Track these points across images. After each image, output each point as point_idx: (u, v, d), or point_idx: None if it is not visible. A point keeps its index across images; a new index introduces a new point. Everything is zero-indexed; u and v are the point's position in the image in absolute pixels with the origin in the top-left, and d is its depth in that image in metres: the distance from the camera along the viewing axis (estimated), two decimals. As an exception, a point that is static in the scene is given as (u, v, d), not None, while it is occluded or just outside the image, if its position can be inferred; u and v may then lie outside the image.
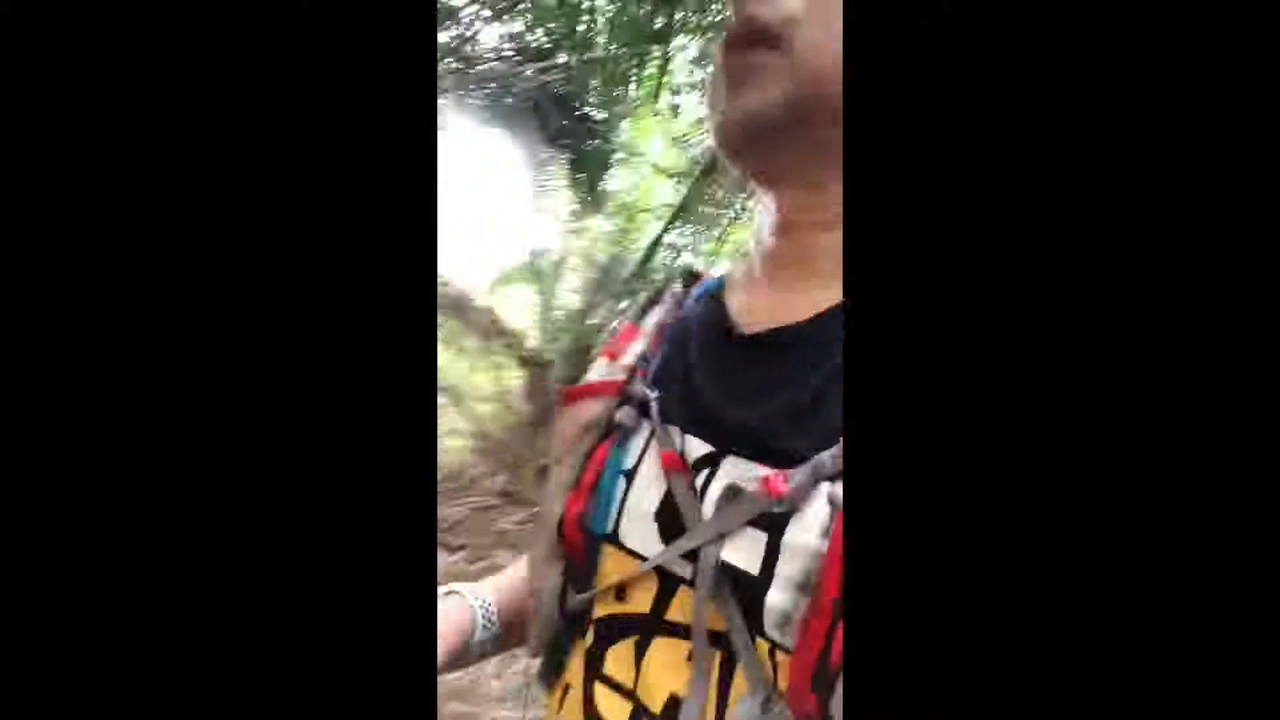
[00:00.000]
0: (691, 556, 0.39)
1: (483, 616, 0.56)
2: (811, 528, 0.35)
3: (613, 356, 0.53)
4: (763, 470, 0.38)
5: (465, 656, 0.56)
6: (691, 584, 0.39)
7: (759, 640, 0.36)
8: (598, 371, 0.53)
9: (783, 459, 0.38)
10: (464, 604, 0.57)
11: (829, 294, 0.41)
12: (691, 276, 0.56)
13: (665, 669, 0.41)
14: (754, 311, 0.45)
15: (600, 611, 0.45)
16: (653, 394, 0.46)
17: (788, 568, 0.35)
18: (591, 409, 0.50)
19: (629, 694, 0.42)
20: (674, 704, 0.40)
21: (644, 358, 0.50)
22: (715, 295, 0.50)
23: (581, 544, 0.46)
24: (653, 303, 0.56)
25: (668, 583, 0.41)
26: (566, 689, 0.47)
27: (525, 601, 0.55)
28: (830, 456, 0.36)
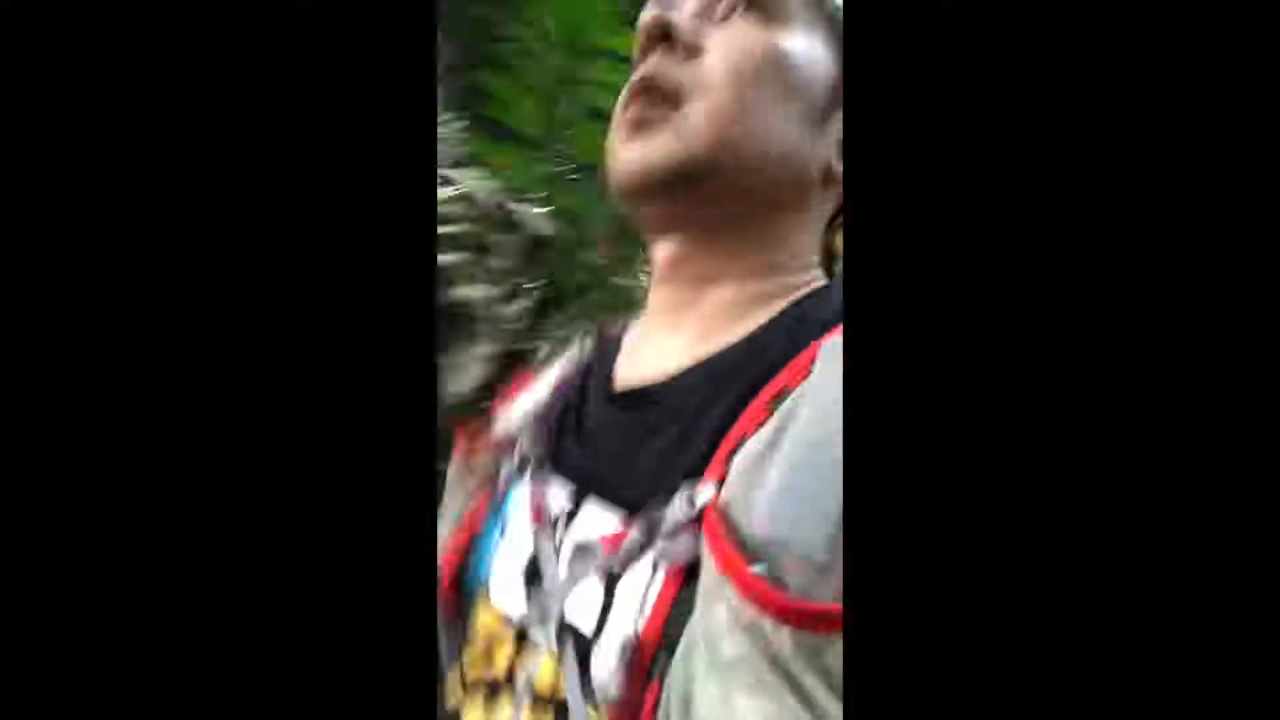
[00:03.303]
0: (546, 616, 0.38)
1: None
2: (635, 585, 0.35)
3: (504, 403, 0.51)
4: (611, 522, 0.38)
5: None
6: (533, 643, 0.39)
7: (589, 705, 0.35)
8: (494, 422, 0.50)
9: (630, 510, 0.37)
10: None
11: (696, 350, 0.42)
12: (600, 335, 0.56)
13: None
14: (630, 365, 0.46)
15: (470, 673, 0.42)
16: (537, 444, 0.45)
17: (613, 626, 0.35)
18: (481, 457, 0.48)
19: None
20: None
21: (540, 410, 0.49)
22: (614, 345, 0.50)
23: (455, 601, 0.44)
24: (554, 356, 0.55)
25: (522, 644, 0.39)
26: None
27: None
28: (663, 513, 0.35)
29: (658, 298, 0.47)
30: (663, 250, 0.46)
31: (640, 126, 0.42)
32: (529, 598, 0.39)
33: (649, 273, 0.48)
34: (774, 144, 0.42)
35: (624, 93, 0.44)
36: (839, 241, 0.47)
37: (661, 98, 0.42)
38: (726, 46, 0.42)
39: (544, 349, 0.55)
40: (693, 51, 0.42)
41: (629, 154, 0.43)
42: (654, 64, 0.43)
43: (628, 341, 0.49)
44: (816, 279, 0.44)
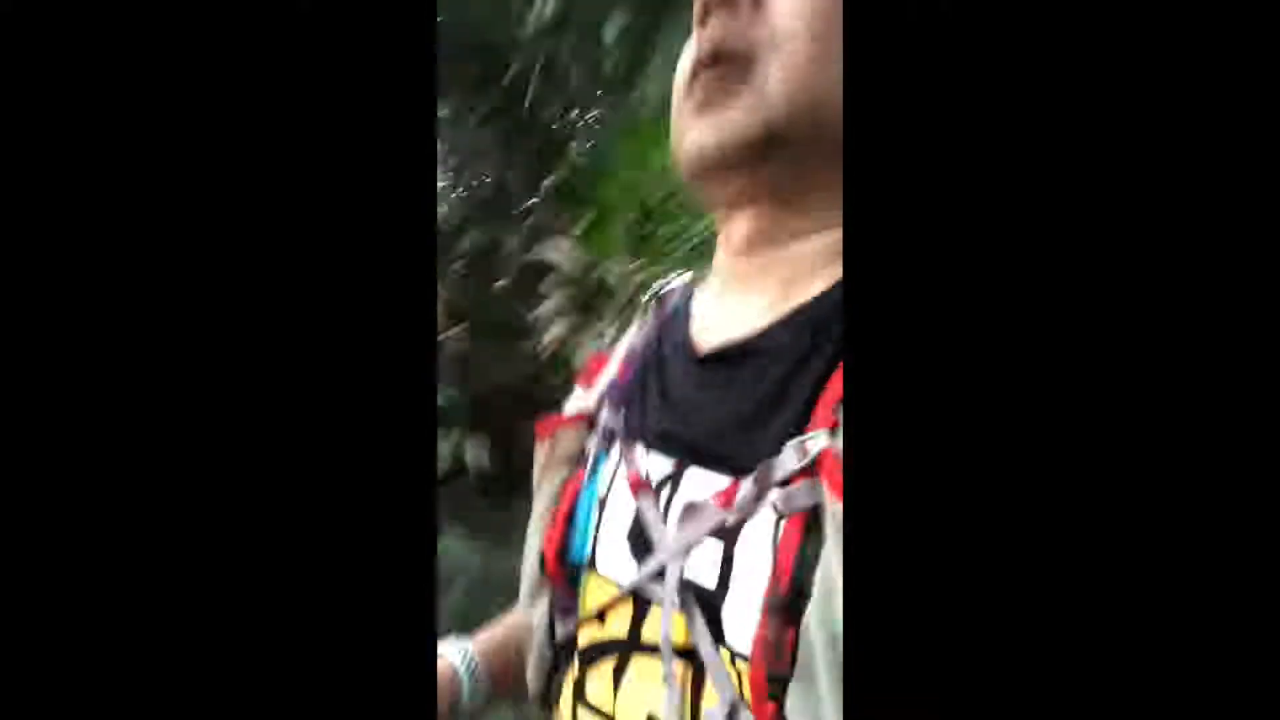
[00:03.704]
0: (662, 576, 0.39)
1: (468, 675, 0.54)
2: (758, 537, 0.36)
3: (585, 385, 0.53)
4: (719, 482, 0.39)
5: None
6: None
7: (723, 650, 0.37)
8: (571, 403, 0.53)
9: (737, 469, 0.38)
10: (446, 665, 0.54)
11: (781, 307, 0.41)
12: (659, 298, 0.56)
13: (641, 689, 0.41)
14: (710, 330, 0.45)
15: (584, 640, 0.45)
16: (619, 419, 0.47)
17: (740, 578, 0.36)
18: (565, 440, 0.51)
19: (608, 718, 0.42)
20: None
21: (613, 385, 0.51)
22: (681, 313, 0.50)
23: (562, 575, 0.46)
24: (623, 330, 0.57)
25: (641, 605, 0.42)
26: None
27: (511, 651, 0.54)
28: (775, 464, 0.36)
29: (732, 268, 0.45)
30: (735, 223, 0.44)
31: (710, 101, 0.40)
32: (639, 563, 0.41)
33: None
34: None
35: (687, 65, 0.42)
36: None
37: (731, 66, 0.39)
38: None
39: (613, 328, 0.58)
40: (758, 8, 0.39)
41: (700, 133, 0.40)
42: (718, 29, 0.40)
43: (698, 309, 0.48)
44: None
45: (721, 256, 0.47)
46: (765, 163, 0.40)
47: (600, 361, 0.55)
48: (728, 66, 0.40)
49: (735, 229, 0.44)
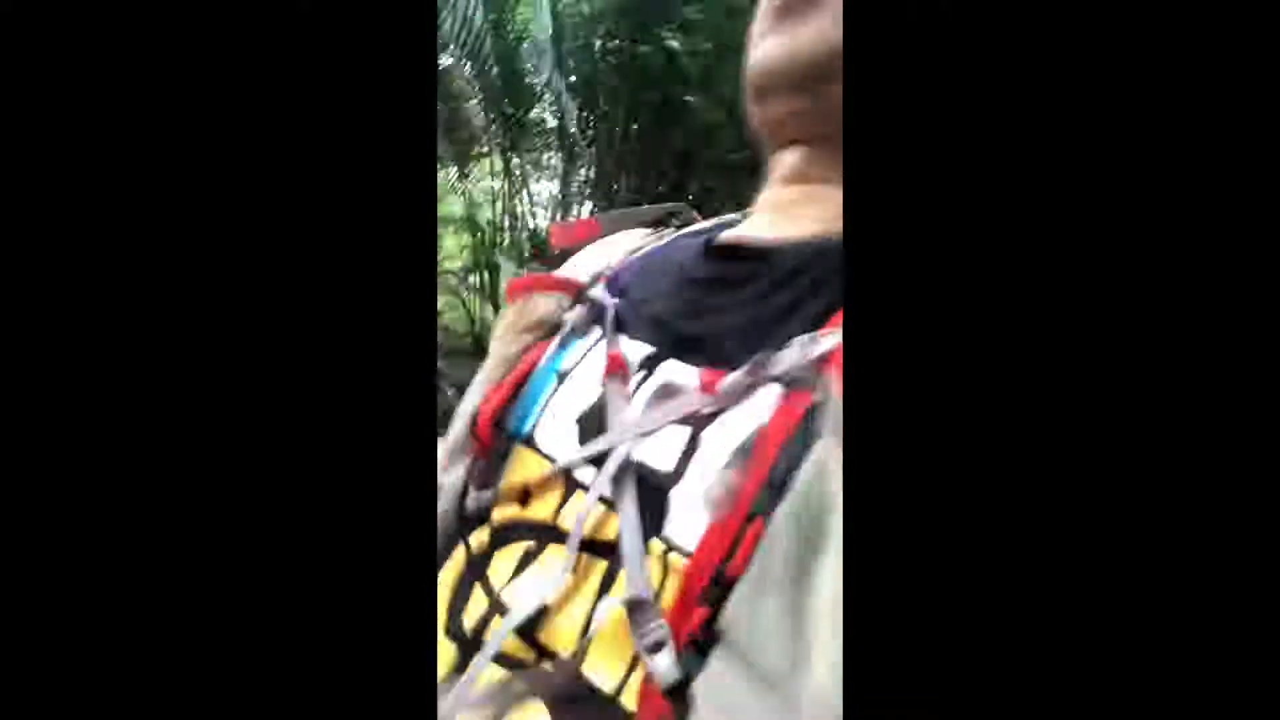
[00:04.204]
0: (603, 460, 0.36)
1: None
2: (736, 423, 0.32)
3: (562, 244, 0.50)
4: (696, 373, 0.36)
5: None
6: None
7: (654, 542, 0.33)
8: (563, 268, 0.50)
9: (726, 364, 0.35)
10: None
11: (817, 228, 0.38)
12: (687, 222, 0.53)
13: (546, 580, 0.37)
14: (737, 235, 0.42)
15: (499, 517, 0.41)
16: (610, 299, 0.43)
17: (704, 463, 0.33)
18: (540, 305, 0.47)
19: (496, 600, 0.39)
20: (541, 614, 0.36)
21: (615, 270, 0.48)
22: (713, 230, 0.47)
23: (492, 442, 0.43)
24: (641, 224, 0.53)
25: (572, 489, 0.38)
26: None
27: None
28: (777, 357, 0.32)
29: (777, 196, 0.42)
30: (786, 152, 0.42)
31: (790, 10, 0.38)
32: (581, 442, 0.38)
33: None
34: None
35: None
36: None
37: None
38: None
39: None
40: None
41: (773, 43, 0.39)
42: None
43: (734, 227, 0.45)
44: None
45: (767, 190, 0.44)
46: (827, 87, 0.37)
47: (587, 229, 0.51)
48: None
49: (786, 158, 0.42)
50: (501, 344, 0.48)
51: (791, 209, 0.41)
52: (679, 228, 0.52)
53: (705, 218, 0.53)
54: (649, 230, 0.53)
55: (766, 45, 0.39)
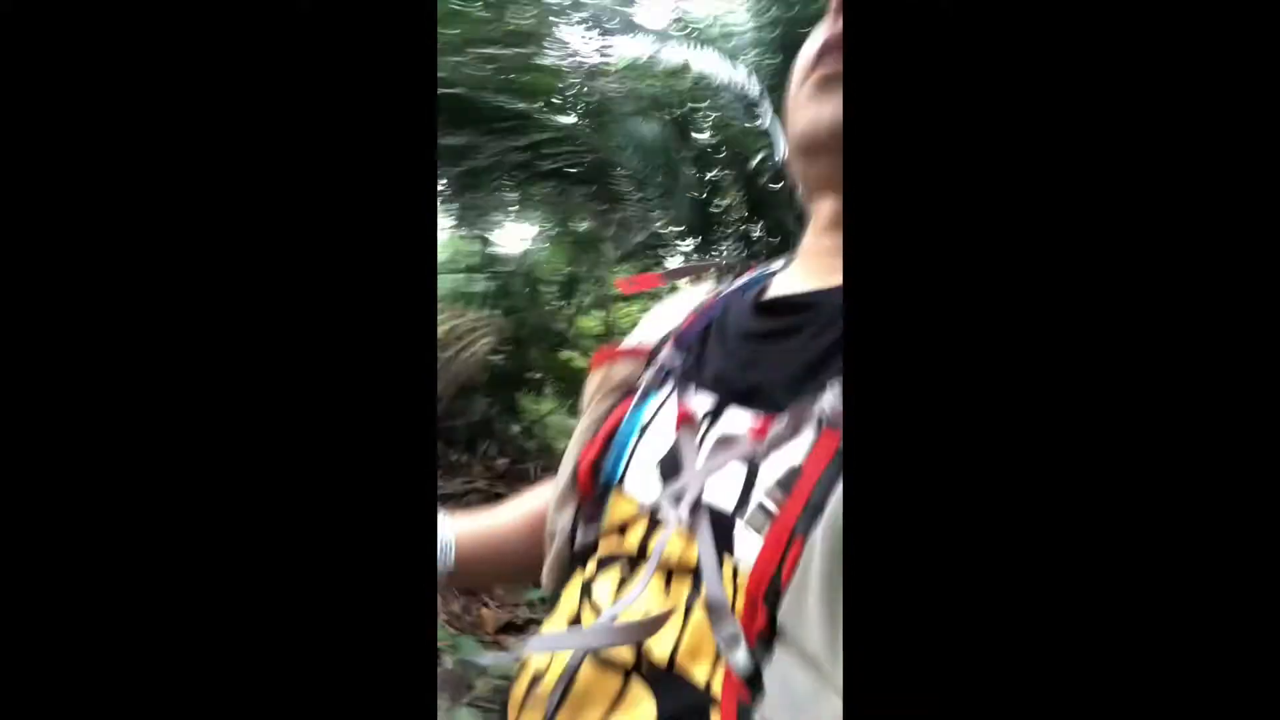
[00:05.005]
0: (680, 499, 0.43)
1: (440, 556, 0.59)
2: (784, 458, 0.38)
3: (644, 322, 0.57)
4: (753, 420, 0.42)
5: None
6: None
7: (728, 559, 0.40)
8: (631, 338, 0.57)
9: (776, 409, 0.41)
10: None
11: None
12: (743, 269, 0.60)
13: (642, 596, 0.44)
14: (783, 287, 0.49)
15: (603, 550, 0.50)
16: (677, 358, 0.51)
17: (759, 497, 0.39)
18: (619, 369, 0.56)
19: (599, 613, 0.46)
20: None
21: (680, 331, 0.55)
22: (758, 281, 0.54)
23: (591, 489, 0.51)
24: (700, 280, 0.60)
25: (655, 524, 0.46)
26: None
27: (494, 548, 0.61)
28: (818, 399, 0.38)
29: (816, 244, 0.48)
30: (827, 201, 0.47)
31: (832, 81, 0.43)
32: (663, 486, 0.45)
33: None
34: None
35: (817, 44, 0.45)
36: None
37: None
38: None
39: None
40: None
41: (819, 110, 0.44)
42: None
43: (782, 275, 0.52)
44: None
45: (807, 237, 0.51)
46: None
47: (651, 281, 0.57)
48: None
49: (825, 206, 0.48)
50: (593, 405, 0.56)
51: (828, 257, 0.47)
52: (735, 276, 0.59)
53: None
54: (710, 284, 0.59)
55: (813, 111, 0.45)
